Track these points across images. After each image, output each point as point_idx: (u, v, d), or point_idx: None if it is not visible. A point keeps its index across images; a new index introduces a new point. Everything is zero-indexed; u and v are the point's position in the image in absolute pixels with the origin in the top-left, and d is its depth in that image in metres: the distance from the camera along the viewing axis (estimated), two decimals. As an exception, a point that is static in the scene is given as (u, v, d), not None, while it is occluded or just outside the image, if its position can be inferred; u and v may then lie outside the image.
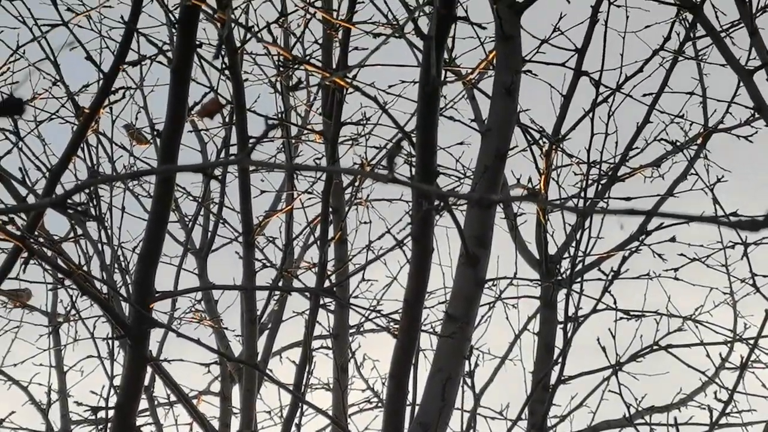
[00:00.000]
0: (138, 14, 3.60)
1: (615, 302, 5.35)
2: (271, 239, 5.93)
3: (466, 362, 4.49)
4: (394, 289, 6.33)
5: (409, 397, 4.38)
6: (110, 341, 4.66)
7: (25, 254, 3.60)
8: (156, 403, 6.11)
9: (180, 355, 5.91)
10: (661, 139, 5.81)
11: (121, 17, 5.14)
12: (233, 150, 5.40)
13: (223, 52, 4.89)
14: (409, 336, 3.89)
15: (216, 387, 6.50)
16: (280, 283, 5.57)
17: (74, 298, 5.59)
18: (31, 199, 4.58)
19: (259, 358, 5.35)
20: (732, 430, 5.74)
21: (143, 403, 5.83)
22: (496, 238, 4.69)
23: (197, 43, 3.62)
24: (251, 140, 5.02)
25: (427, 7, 4.38)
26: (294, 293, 5.80)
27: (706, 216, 1.59)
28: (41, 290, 6.64)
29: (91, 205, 4.81)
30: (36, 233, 4.45)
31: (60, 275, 5.19)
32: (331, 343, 5.72)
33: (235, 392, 5.79)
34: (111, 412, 3.96)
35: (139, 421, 6.09)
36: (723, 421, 5.52)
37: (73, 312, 5.69)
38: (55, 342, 6.61)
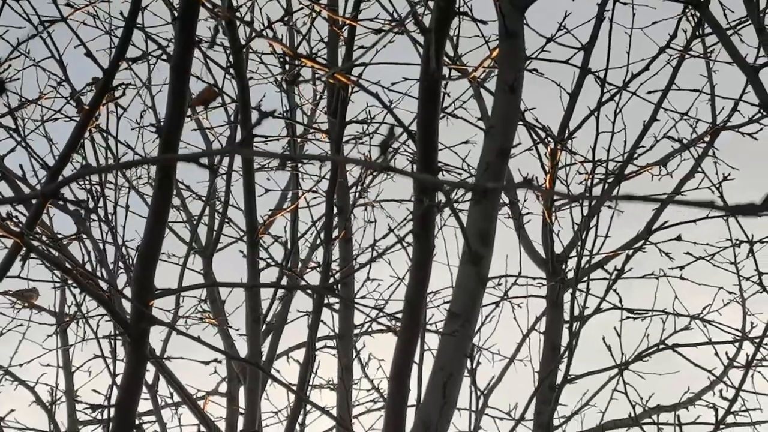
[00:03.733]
0: (137, 11, 3.58)
1: (620, 301, 5.33)
2: (276, 238, 5.92)
3: (468, 361, 4.46)
4: (400, 289, 6.31)
5: (415, 395, 4.36)
6: (112, 340, 4.64)
7: (24, 251, 3.59)
8: (162, 403, 6.10)
9: (187, 355, 5.91)
10: (669, 136, 5.78)
11: (121, 13, 5.16)
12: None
13: (227, 51, 4.88)
14: (411, 334, 3.86)
15: (224, 388, 6.49)
16: (284, 282, 5.54)
17: (79, 298, 5.59)
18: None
19: (264, 358, 5.33)
20: (740, 429, 5.70)
21: (148, 404, 5.82)
22: (503, 238, 4.67)
23: (197, 39, 3.61)
24: (255, 138, 5.01)
25: (429, 2, 4.36)
26: (298, 292, 5.78)
27: (701, 201, 1.55)
28: (49, 290, 6.65)
29: (92, 201, 4.78)
30: (38, 231, 4.44)
31: (61, 273, 5.16)
32: (336, 343, 5.70)
33: (243, 393, 5.77)
34: (112, 410, 3.94)
35: (145, 422, 6.08)
36: (731, 420, 5.49)
37: (78, 312, 5.68)
38: (63, 342, 6.59)
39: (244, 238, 5.34)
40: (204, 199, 6.26)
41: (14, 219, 3.88)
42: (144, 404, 5.88)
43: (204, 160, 1.86)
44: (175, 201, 6.50)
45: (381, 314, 5.28)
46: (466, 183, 1.52)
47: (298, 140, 5.92)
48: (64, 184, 1.96)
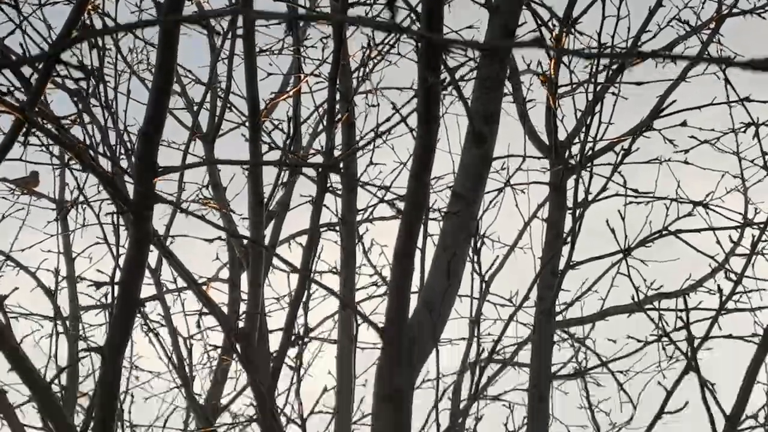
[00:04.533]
0: None
1: (625, 183, 5.31)
2: (278, 121, 5.87)
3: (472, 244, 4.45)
4: (403, 175, 6.26)
5: (418, 283, 4.35)
6: (115, 218, 4.61)
7: (25, 129, 3.55)
8: (165, 289, 6.09)
9: (187, 241, 5.90)
10: (676, 18, 5.71)
11: None
12: (240, 33, 5.34)
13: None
14: (414, 215, 3.85)
15: (225, 274, 6.50)
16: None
17: (80, 182, 5.57)
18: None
19: (266, 242, 5.31)
20: (741, 314, 5.71)
21: (152, 289, 5.82)
22: (505, 126, 4.62)
23: None
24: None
25: None
26: (301, 178, 5.75)
27: (715, 58, 1.53)
28: (49, 178, 6.63)
29: (93, 82, 4.73)
30: (38, 110, 4.40)
31: (61, 151, 5.11)
32: (339, 227, 5.69)
33: (245, 280, 5.75)
34: (115, 288, 3.93)
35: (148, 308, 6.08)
36: (732, 306, 5.50)
37: (80, 194, 5.66)
38: (63, 228, 6.58)
39: (247, 123, 5.29)
40: (205, 83, 6.21)
41: (14, 95, 3.85)
42: (147, 290, 5.90)
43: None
44: (176, 87, 6.45)
45: (386, 194, 5.24)
46: (476, 42, 1.47)
47: (300, 23, 5.85)
48: (65, 46, 1.93)
